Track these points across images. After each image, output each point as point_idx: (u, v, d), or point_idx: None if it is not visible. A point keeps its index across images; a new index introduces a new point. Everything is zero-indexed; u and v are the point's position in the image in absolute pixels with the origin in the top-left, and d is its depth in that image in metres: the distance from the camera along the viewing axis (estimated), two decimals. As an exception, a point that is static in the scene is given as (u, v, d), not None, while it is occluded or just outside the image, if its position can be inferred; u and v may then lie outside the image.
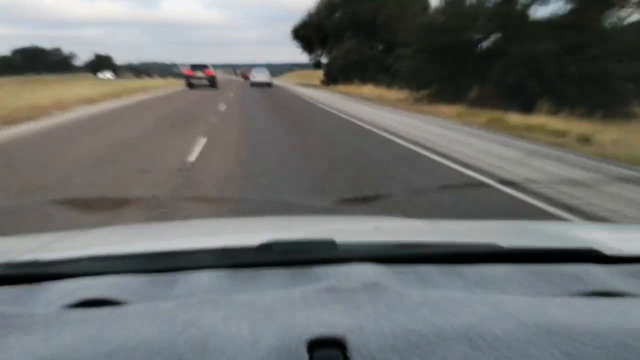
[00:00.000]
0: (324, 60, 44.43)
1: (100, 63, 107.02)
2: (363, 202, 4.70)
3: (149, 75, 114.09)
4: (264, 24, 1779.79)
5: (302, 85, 43.16)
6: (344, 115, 14.54)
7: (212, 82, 29.01)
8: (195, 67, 29.84)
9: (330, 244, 0.85)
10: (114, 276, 0.74)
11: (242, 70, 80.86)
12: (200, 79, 29.00)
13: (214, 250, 0.90)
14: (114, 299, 0.66)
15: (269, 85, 35.14)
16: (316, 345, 0.52)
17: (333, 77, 37.64)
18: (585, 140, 9.02)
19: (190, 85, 28.64)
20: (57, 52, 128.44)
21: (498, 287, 0.73)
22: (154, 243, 1.20)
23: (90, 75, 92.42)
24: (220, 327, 0.55)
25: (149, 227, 2.08)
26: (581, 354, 0.52)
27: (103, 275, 0.74)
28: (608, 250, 0.89)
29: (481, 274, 0.77)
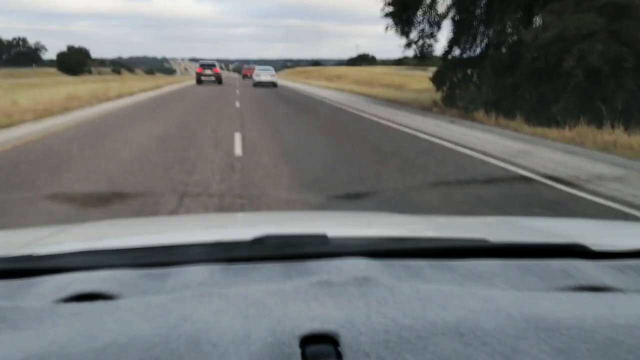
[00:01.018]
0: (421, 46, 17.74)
1: (73, 56, 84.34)
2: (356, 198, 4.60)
3: (131, 70, 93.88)
4: (257, 19, 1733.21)
5: (389, 104, 18.79)
6: None
7: (218, 79, 34.78)
8: (204, 66, 36.01)
9: (323, 238, 0.86)
10: (107, 270, 0.74)
11: (243, 68, 69.07)
12: (208, 75, 34.59)
13: (207, 244, 0.92)
14: (107, 293, 0.67)
15: (273, 85, 32.14)
16: (308, 340, 0.53)
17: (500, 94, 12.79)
18: None
19: (199, 81, 34.36)
20: (19, 43, 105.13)
21: (487, 282, 0.74)
22: (147, 237, 1.20)
23: (52, 70, 71.44)
24: (213, 322, 0.56)
25: (143, 221, 2.16)
26: (569, 348, 0.53)
27: (96, 270, 0.74)
28: (595, 246, 0.90)
29: (471, 269, 0.78)
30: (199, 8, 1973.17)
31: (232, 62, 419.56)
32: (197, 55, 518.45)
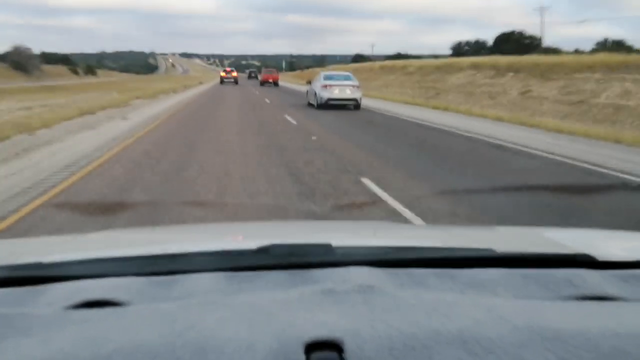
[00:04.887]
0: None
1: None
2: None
3: (25, 70, 62.04)
4: (256, 12, 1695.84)
5: None
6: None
7: (236, 81, 48.66)
8: (226, 72, 51.86)
9: (327, 247, 0.88)
10: (115, 278, 0.76)
11: (263, 72, 50.35)
12: (228, 79, 49.02)
13: (213, 252, 0.94)
14: (114, 301, 0.69)
15: (355, 105, 18.14)
16: (313, 348, 0.55)
17: None
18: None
19: (222, 82, 48.19)
20: None
21: (491, 291, 0.76)
22: (154, 245, 1.21)
23: None
24: (218, 329, 0.58)
25: (150, 230, 2.13)
26: (574, 358, 0.54)
27: (104, 277, 0.77)
28: (600, 256, 0.92)
29: (475, 278, 0.79)
30: (196, 2, 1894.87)
31: (227, 57, 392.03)
32: (191, 51, 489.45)
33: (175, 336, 0.55)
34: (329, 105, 17.60)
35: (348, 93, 17.80)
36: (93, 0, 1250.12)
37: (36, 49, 73.59)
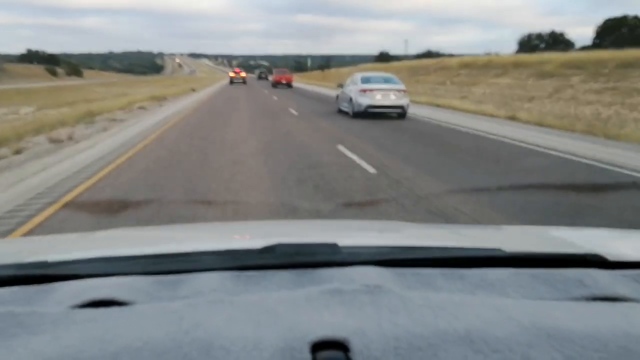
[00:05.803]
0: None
1: None
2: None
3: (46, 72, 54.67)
4: (264, 13, 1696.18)
5: None
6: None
7: (244, 81, 50.20)
8: (235, 72, 52.81)
9: (333, 247, 0.87)
10: (121, 277, 0.77)
11: (275, 72, 44.32)
12: (237, 79, 50.32)
13: (219, 252, 0.94)
14: (121, 300, 0.69)
15: (400, 114, 15.01)
16: (319, 347, 0.55)
17: None
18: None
19: (232, 83, 48.99)
20: None
21: (500, 291, 0.75)
22: (160, 245, 1.21)
23: None
24: (225, 328, 0.58)
25: (156, 229, 2.13)
26: (582, 358, 0.54)
27: (111, 276, 0.77)
28: (611, 256, 0.91)
29: (483, 278, 0.79)
30: (205, 2, 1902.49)
31: (235, 57, 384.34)
32: (199, 51, 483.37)
33: (182, 334, 0.55)
34: (363, 114, 14.48)
35: (392, 99, 14.63)
36: (103, 0, 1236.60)
37: (47, 50, 64.35)
